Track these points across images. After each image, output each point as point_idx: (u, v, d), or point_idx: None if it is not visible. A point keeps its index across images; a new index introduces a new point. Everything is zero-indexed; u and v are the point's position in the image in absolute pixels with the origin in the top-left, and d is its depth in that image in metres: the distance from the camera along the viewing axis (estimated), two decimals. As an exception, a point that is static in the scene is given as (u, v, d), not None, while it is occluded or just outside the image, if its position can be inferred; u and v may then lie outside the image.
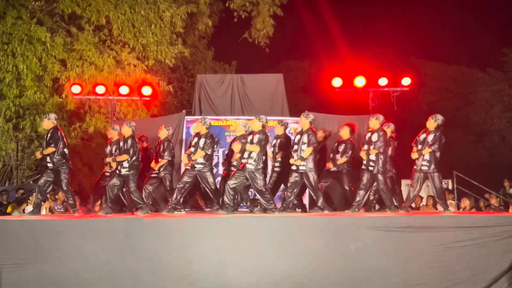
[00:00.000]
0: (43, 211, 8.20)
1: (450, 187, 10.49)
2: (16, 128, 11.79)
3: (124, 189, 7.41)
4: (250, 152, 6.81)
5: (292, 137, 7.41)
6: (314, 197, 7.15)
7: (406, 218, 6.32)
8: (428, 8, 23.18)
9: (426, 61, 21.87)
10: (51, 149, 6.80)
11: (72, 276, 5.72)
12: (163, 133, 7.81)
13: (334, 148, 7.78)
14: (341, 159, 7.54)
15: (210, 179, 7.12)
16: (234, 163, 7.34)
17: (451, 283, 5.86)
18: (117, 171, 6.98)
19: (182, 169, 8.17)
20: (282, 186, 7.98)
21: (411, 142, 7.15)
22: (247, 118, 8.44)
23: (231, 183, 6.84)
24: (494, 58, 19.52)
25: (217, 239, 5.92)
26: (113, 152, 7.25)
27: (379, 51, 20.33)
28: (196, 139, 7.20)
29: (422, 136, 6.93)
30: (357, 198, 7.06)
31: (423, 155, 6.81)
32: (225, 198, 6.83)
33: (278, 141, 7.70)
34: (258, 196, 6.96)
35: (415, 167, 6.93)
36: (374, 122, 7.10)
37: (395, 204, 7.32)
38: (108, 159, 7.38)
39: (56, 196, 8.90)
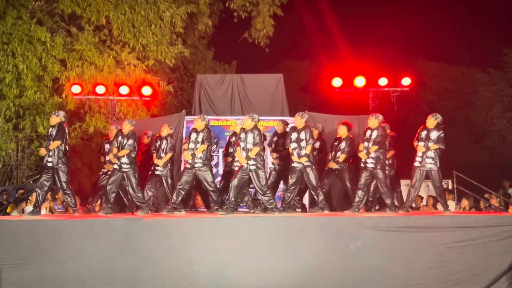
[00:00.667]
0: (43, 211, 8.20)
1: (450, 187, 10.49)
2: (16, 128, 11.79)
3: (126, 188, 7.39)
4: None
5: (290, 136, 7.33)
6: (315, 196, 7.15)
7: (406, 218, 6.32)
8: (428, 8, 23.18)
9: (426, 61, 21.86)
10: (57, 143, 6.74)
11: (72, 276, 5.73)
12: (167, 131, 7.80)
13: (334, 147, 7.76)
14: (342, 156, 7.53)
15: (210, 178, 7.10)
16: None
17: (451, 283, 5.86)
18: (118, 167, 6.96)
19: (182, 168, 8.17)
20: (282, 186, 8.00)
21: (411, 142, 7.13)
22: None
23: (235, 182, 6.82)
24: (494, 58, 19.52)
25: (217, 239, 5.92)
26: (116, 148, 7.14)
27: (379, 51, 20.34)
28: (194, 135, 7.10)
29: (424, 133, 6.89)
30: (357, 199, 7.06)
31: (426, 152, 6.79)
32: (229, 197, 6.83)
33: (280, 140, 7.70)
34: (259, 195, 6.95)
35: (416, 164, 6.88)
36: (374, 121, 7.09)
37: (395, 203, 7.31)
38: (109, 156, 7.31)
39: (56, 196, 8.89)
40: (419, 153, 6.87)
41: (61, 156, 6.79)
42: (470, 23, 22.30)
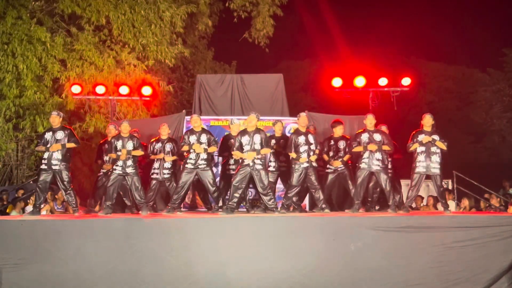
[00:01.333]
0: (43, 211, 8.20)
1: (450, 187, 10.49)
2: (16, 128, 11.79)
3: (126, 188, 7.39)
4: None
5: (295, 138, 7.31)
6: (316, 196, 7.14)
7: (406, 218, 6.31)
8: (428, 8, 23.21)
9: (426, 61, 21.88)
10: (73, 145, 6.91)
11: (72, 276, 5.72)
12: (167, 132, 7.80)
13: (330, 146, 7.69)
14: (347, 156, 7.52)
15: (212, 179, 7.11)
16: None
17: (451, 283, 5.85)
18: (121, 169, 6.96)
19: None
20: (279, 186, 8.00)
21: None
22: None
23: (236, 181, 6.82)
24: (494, 58, 19.53)
25: (217, 239, 5.92)
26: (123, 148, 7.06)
27: (379, 51, 20.35)
28: (202, 135, 7.12)
29: (425, 138, 6.82)
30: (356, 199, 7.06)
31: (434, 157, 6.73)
32: (231, 197, 6.82)
33: (281, 141, 7.70)
34: (260, 195, 6.94)
35: (420, 168, 6.78)
36: (372, 120, 7.09)
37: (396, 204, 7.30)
38: (112, 155, 7.23)
39: (56, 196, 8.90)
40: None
41: (68, 156, 6.87)
42: (470, 23, 22.33)
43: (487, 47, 21.27)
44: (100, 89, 10.20)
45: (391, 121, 7.75)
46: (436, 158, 6.70)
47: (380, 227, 5.99)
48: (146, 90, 10.27)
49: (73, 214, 7.10)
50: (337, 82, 10.02)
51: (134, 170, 7.00)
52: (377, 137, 6.99)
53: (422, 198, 10.04)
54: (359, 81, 9.92)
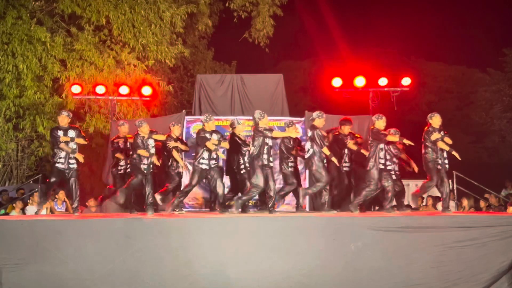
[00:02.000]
0: (43, 211, 8.20)
1: (450, 187, 10.48)
2: (16, 128, 11.79)
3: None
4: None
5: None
6: (322, 197, 7.13)
7: (406, 218, 6.31)
8: (428, 8, 23.21)
9: (426, 61, 21.91)
10: (83, 141, 7.15)
11: (72, 276, 5.72)
12: (178, 130, 7.85)
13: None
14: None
15: (220, 179, 7.10)
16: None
17: (451, 283, 5.85)
18: (138, 168, 7.00)
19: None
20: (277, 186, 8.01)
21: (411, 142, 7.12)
22: (247, 118, 8.44)
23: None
24: (494, 58, 19.54)
25: (217, 239, 5.92)
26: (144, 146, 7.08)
27: (379, 51, 20.38)
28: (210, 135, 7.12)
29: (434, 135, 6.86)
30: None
31: (443, 153, 6.80)
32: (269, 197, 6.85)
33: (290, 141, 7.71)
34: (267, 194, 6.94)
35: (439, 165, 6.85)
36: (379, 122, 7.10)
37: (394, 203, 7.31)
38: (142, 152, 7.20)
39: (56, 196, 8.89)
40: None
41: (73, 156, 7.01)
42: (470, 23, 22.33)
43: (487, 47, 21.30)
44: (100, 89, 10.20)
45: (391, 121, 7.72)
46: (445, 154, 6.83)
47: (380, 227, 5.99)
48: (146, 90, 10.27)
49: (73, 214, 7.12)
50: (337, 82, 10.02)
51: (148, 169, 7.09)
52: None
53: (422, 198, 10.03)
54: (359, 81, 9.93)
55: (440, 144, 6.76)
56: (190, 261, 5.85)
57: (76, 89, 10.23)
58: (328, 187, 7.19)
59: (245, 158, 7.32)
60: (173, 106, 15.45)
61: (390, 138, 6.87)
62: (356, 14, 22.57)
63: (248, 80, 10.03)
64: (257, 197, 7.32)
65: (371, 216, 6.37)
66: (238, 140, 7.26)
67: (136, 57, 12.11)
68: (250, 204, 8.08)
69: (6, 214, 8.76)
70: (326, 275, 5.85)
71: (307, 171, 7.53)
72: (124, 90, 10.27)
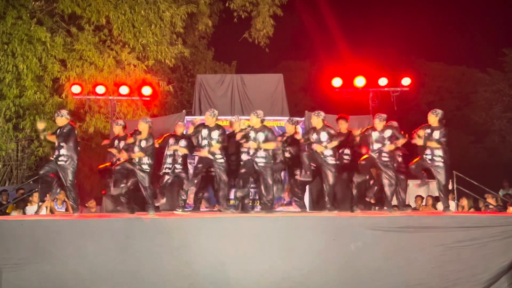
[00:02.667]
0: (43, 211, 8.21)
1: (450, 187, 10.48)
2: (16, 128, 11.79)
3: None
4: (261, 149, 6.86)
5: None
6: (329, 196, 7.11)
7: (406, 218, 6.31)
8: (428, 8, 23.21)
9: (426, 61, 21.90)
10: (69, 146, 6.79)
11: (72, 276, 5.72)
12: (181, 129, 7.81)
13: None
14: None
15: (224, 177, 7.06)
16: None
17: (451, 283, 5.85)
18: (139, 167, 6.88)
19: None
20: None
21: (411, 142, 7.12)
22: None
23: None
24: (494, 58, 19.54)
25: (217, 239, 5.92)
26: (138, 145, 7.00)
27: (379, 51, 20.38)
28: (206, 131, 7.06)
29: (428, 131, 6.88)
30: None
31: (434, 150, 6.80)
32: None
33: (289, 140, 7.71)
34: (264, 193, 6.94)
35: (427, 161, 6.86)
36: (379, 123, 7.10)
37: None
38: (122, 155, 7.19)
39: (56, 196, 8.89)
40: (428, 152, 6.87)
41: (71, 155, 6.77)
42: (470, 23, 22.34)
43: (487, 47, 21.32)
44: (100, 89, 10.20)
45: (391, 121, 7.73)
46: (439, 152, 6.82)
47: (380, 227, 5.99)
48: (146, 90, 10.27)
49: (73, 214, 7.11)
50: (337, 82, 10.02)
51: (149, 169, 6.96)
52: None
53: (422, 198, 10.04)
54: (359, 81, 9.92)
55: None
56: (190, 261, 5.85)
57: (76, 89, 10.22)
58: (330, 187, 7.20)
59: (242, 156, 7.38)
60: (173, 106, 15.45)
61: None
62: (356, 14, 22.59)
63: (248, 80, 10.03)
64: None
65: (371, 216, 6.37)
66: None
67: (136, 57, 12.10)
68: (249, 203, 8.07)
69: (6, 214, 8.76)
70: (326, 275, 5.85)
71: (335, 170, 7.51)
72: (124, 90, 10.27)
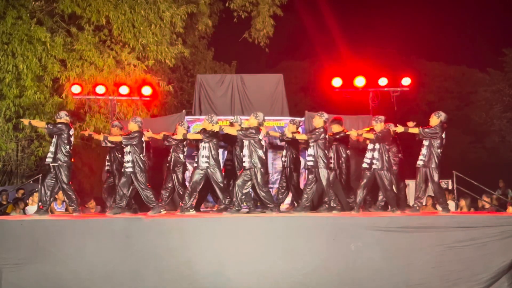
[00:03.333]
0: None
1: (450, 187, 10.48)
2: (16, 128, 11.78)
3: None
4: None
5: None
6: (328, 195, 7.13)
7: (406, 218, 6.32)
8: (428, 8, 23.21)
9: (426, 61, 21.90)
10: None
11: (72, 276, 5.73)
12: (182, 131, 7.82)
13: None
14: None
15: (219, 177, 7.10)
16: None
17: (451, 283, 5.86)
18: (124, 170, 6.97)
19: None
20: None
21: (411, 142, 7.13)
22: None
23: (240, 182, 6.85)
24: (494, 58, 19.53)
25: (217, 239, 5.92)
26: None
27: (379, 51, 20.36)
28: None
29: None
30: (358, 198, 7.07)
31: (421, 150, 6.80)
32: (235, 198, 6.83)
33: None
34: (260, 194, 6.93)
35: (419, 163, 6.89)
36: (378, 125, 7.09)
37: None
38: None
39: (56, 196, 8.88)
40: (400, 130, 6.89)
41: (64, 155, 6.84)
42: (470, 23, 22.33)
43: (487, 47, 21.30)
44: (100, 89, 10.19)
45: (391, 121, 7.73)
46: (423, 151, 6.81)
47: (380, 227, 6.00)
48: (146, 90, 10.26)
49: (73, 214, 7.11)
50: (337, 82, 10.02)
51: (131, 170, 7.01)
52: None
53: (422, 198, 10.03)
54: (359, 81, 9.92)
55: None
56: (190, 261, 5.86)
57: (76, 89, 10.22)
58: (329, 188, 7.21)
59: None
60: (173, 106, 15.44)
61: (399, 129, 6.90)
62: (356, 14, 22.56)
63: (248, 80, 10.03)
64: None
65: (371, 216, 6.37)
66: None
67: (136, 57, 12.09)
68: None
69: (6, 214, 8.75)
70: (326, 275, 5.85)
71: (306, 171, 7.54)
72: (124, 90, 10.26)
